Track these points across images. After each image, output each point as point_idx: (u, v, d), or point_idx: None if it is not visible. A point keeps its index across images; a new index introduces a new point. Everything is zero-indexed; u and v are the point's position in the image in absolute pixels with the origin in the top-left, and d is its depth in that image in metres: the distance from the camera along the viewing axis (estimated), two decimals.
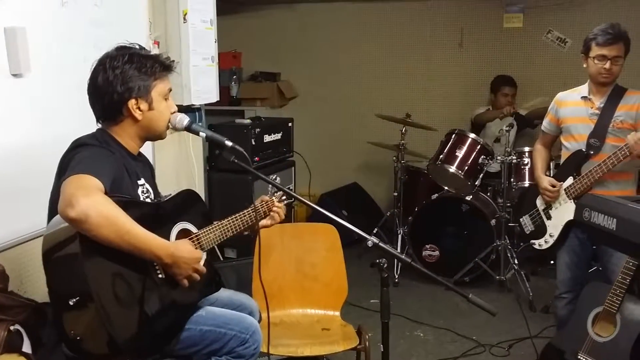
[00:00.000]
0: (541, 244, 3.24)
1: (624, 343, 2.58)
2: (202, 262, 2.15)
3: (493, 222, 4.55)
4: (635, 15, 5.23)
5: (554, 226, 3.16)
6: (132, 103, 2.10)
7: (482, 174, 4.54)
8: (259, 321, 2.44)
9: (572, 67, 5.26)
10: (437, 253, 4.77)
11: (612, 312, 2.64)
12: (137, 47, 2.18)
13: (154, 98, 2.14)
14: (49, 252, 1.91)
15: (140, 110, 2.12)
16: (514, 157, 4.53)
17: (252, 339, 2.25)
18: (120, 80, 2.08)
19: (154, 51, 3.18)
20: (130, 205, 1.95)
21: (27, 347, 2.17)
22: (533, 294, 4.31)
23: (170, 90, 2.22)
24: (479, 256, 4.56)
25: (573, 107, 3.10)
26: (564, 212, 3.09)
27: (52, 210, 2.01)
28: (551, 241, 3.17)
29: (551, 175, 3.28)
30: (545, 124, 3.27)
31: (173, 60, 2.25)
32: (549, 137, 3.30)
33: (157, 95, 2.15)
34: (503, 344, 3.74)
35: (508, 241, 4.57)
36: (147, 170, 2.34)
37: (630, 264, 2.62)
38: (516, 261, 4.54)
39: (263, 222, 2.49)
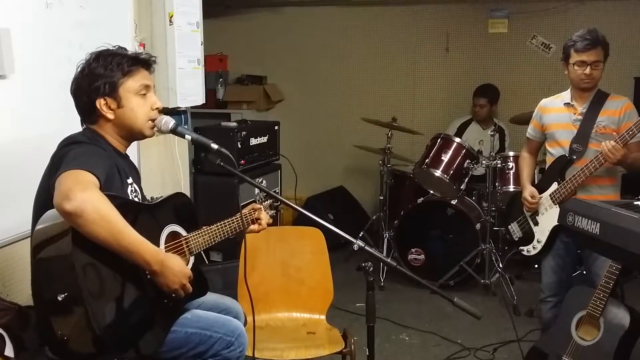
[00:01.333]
0: (529, 250, 3.25)
1: (607, 347, 2.60)
2: (189, 267, 2.14)
3: (478, 226, 4.58)
4: (619, 20, 5.30)
5: (541, 232, 3.17)
6: (100, 103, 2.09)
7: (467, 178, 4.57)
8: (245, 325, 2.43)
9: (557, 72, 5.25)
10: (422, 257, 4.79)
11: (596, 316, 2.66)
12: (113, 47, 2.15)
13: (122, 95, 2.10)
14: (39, 247, 1.90)
15: (110, 109, 2.10)
16: (499, 162, 4.57)
17: (238, 341, 2.24)
18: (87, 81, 2.08)
19: None
20: (122, 204, 1.94)
21: (9, 351, 2.15)
22: (517, 298, 4.34)
23: (147, 85, 2.16)
24: (464, 260, 4.57)
25: (556, 113, 3.13)
26: (550, 217, 3.10)
27: (38, 209, 2.00)
28: (539, 247, 3.18)
29: (536, 181, 3.31)
30: (530, 131, 3.30)
31: (150, 55, 2.22)
32: (534, 144, 3.32)
33: (125, 92, 2.10)
34: (488, 347, 3.75)
35: (493, 245, 4.60)
36: (134, 170, 2.33)
37: (614, 268, 2.64)
38: (501, 265, 4.57)
39: (251, 227, 2.49)
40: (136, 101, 2.13)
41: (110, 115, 2.11)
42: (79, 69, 2.11)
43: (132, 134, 2.20)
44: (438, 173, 4.52)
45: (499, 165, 4.58)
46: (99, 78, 2.07)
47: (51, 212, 1.88)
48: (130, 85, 2.11)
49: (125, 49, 2.19)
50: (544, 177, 3.22)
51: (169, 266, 1.98)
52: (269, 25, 6.28)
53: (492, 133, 4.63)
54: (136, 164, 3.10)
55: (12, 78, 2.42)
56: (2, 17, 2.37)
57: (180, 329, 2.15)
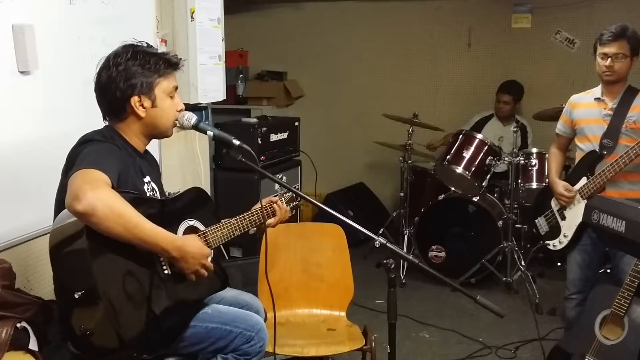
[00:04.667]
0: (555, 244, 3.23)
1: (632, 346, 2.56)
2: (209, 259, 2.14)
3: (500, 223, 4.54)
4: None
5: (568, 227, 3.15)
6: (134, 100, 2.10)
7: (489, 175, 4.53)
8: (265, 321, 2.43)
9: (581, 67, 5.24)
10: (443, 254, 4.76)
11: (620, 315, 2.62)
12: (144, 44, 2.17)
13: (157, 95, 2.12)
14: (56, 247, 1.92)
15: (143, 107, 2.11)
16: (522, 158, 4.52)
17: (258, 336, 2.24)
18: (124, 77, 2.07)
19: (162, 49, 3.18)
20: (137, 200, 1.95)
21: (33, 345, 2.17)
22: (540, 296, 4.30)
23: (176, 88, 2.20)
24: (485, 257, 4.54)
25: (586, 108, 3.11)
26: (577, 212, 3.07)
27: (59, 207, 2.02)
28: (565, 241, 3.16)
29: (564, 176, 3.28)
30: (560, 127, 3.28)
31: (180, 58, 2.23)
32: (564, 140, 3.30)
33: (160, 92, 2.13)
34: (509, 345, 3.73)
35: (515, 243, 4.55)
36: (154, 169, 2.33)
37: (639, 266, 2.60)
38: (523, 263, 4.52)
39: (269, 221, 2.48)
40: (168, 102, 2.16)
41: (142, 113, 2.12)
42: (110, 63, 2.08)
43: (157, 133, 2.22)
44: (459, 170, 4.48)
45: (521, 162, 4.53)
46: (137, 76, 2.08)
47: (65, 212, 1.89)
48: (165, 86, 2.14)
49: (155, 48, 2.21)
50: (573, 171, 3.20)
51: (187, 250, 1.99)
52: (289, 21, 6.29)
53: (514, 129, 4.58)
54: (157, 159, 3.12)
55: (35, 74, 2.44)
56: (26, 14, 2.39)
57: (201, 323, 2.16)
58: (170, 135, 2.26)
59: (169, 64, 2.15)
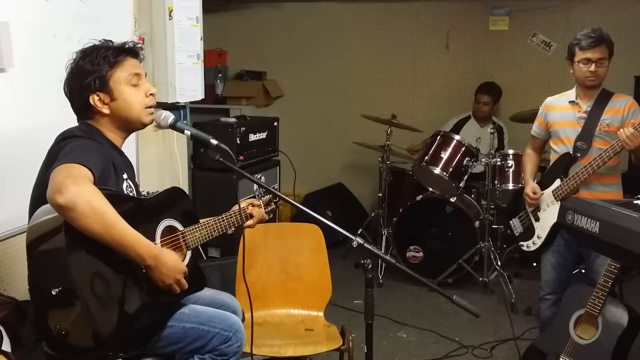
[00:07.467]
0: (529, 245, 3.26)
1: (606, 345, 2.60)
2: (186, 262, 2.13)
3: (477, 224, 4.57)
4: (619, 18, 5.28)
5: (542, 228, 3.19)
6: (94, 99, 2.08)
7: (466, 176, 4.56)
8: (242, 321, 2.43)
9: (557, 70, 5.30)
10: (421, 254, 4.78)
11: (594, 315, 2.66)
12: (99, 41, 2.13)
13: (114, 88, 2.08)
14: (33, 243, 1.89)
15: (104, 104, 2.09)
16: (498, 160, 4.56)
17: (235, 336, 2.23)
18: (78, 78, 2.07)
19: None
20: (117, 198, 1.93)
21: (6, 346, 2.14)
22: (515, 296, 4.34)
23: (137, 74, 2.14)
24: (462, 258, 4.57)
25: (561, 111, 3.14)
26: (551, 214, 3.11)
27: (35, 203, 2.00)
28: (539, 243, 3.20)
29: (539, 177, 3.31)
30: (535, 128, 3.31)
31: (133, 42, 2.20)
32: (539, 141, 3.33)
33: (116, 84, 2.09)
34: (485, 345, 3.76)
35: (491, 243, 4.59)
36: (129, 167, 2.31)
37: (613, 267, 2.64)
38: (499, 263, 4.56)
39: (248, 222, 2.49)
40: (128, 91, 2.11)
41: (106, 110, 2.10)
42: (68, 70, 2.10)
43: (130, 125, 2.18)
44: (437, 170, 4.51)
45: (498, 163, 4.57)
46: (88, 74, 2.05)
47: (44, 208, 1.88)
48: (120, 76, 2.10)
49: (111, 41, 2.16)
50: (547, 173, 3.24)
51: (163, 261, 1.96)
52: (268, 21, 6.27)
53: (491, 131, 4.63)
54: (135, 159, 3.11)
55: (10, 72, 2.42)
56: (1, 11, 2.36)
57: (178, 323, 2.15)
58: (150, 122, 2.20)
59: (118, 52, 2.11)
